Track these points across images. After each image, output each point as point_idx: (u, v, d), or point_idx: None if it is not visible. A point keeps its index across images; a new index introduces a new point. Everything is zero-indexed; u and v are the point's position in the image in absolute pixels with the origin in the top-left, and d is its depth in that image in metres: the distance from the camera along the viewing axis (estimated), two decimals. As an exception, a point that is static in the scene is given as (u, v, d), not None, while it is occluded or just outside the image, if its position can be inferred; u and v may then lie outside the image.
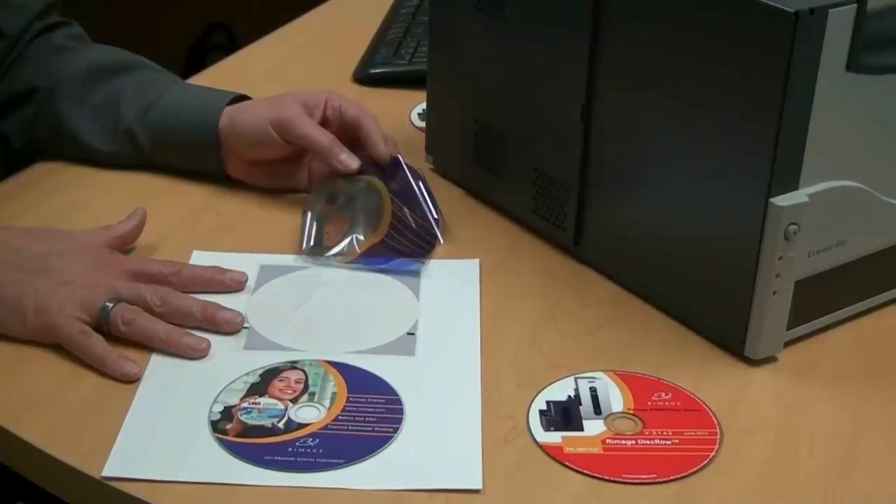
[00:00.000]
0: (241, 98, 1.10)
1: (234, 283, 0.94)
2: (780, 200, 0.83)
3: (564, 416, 0.83)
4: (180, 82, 1.14)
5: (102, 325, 0.87)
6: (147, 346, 0.87)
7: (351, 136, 1.07)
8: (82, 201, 1.08)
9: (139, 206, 0.99)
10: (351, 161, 1.02)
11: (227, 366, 0.87)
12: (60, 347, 0.87)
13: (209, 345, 0.87)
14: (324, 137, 1.03)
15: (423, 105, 1.16)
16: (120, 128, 1.10)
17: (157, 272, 0.93)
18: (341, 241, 1.00)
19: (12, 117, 1.13)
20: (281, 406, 0.83)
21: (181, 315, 0.89)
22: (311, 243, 1.00)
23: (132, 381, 0.85)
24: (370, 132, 1.05)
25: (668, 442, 0.81)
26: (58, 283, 0.88)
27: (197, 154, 1.08)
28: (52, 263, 0.90)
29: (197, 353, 0.87)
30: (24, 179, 1.11)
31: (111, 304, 0.88)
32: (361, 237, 1.00)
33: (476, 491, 0.77)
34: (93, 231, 0.96)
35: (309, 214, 1.01)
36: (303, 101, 1.06)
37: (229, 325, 0.89)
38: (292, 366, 0.87)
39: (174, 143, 1.08)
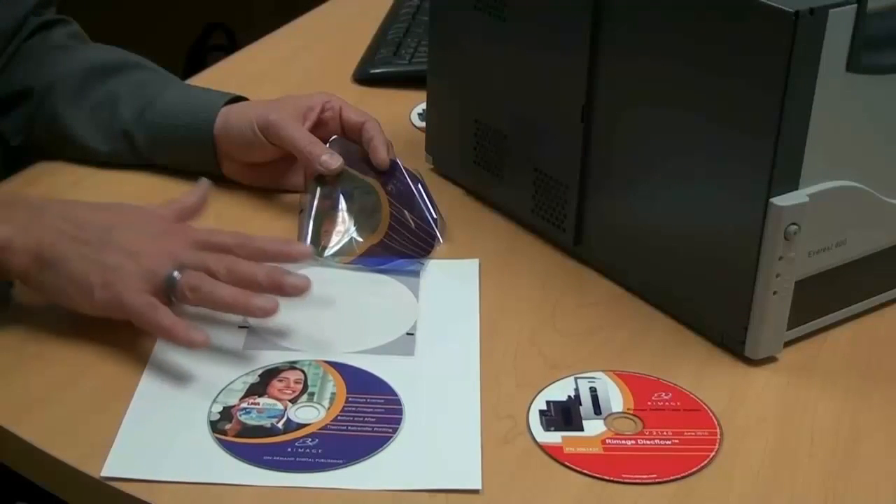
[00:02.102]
0: (239, 99, 1.10)
1: (298, 255, 0.93)
2: (781, 200, 0.83)
3: (564, 416, 0.83)
4: (178, 82, 1.14)
5: (169, 295, 0.87)
6: (215, 310, 0.88)
7: (352, 139, 1.07)
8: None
9: (202, 178, 0.98)
10: (332, 161, 1.02)
11: (227, 366, 0.87)
12: (60, 347, 0.87)
13: (277, 305, 0.86)
14: (304, 140, 1.03)
15: (424, 105, 1.16)
16: (117, 128, 1.09)
17: (222, 243, 0.91)
18: (340, 241, 1.00)
19: (9, 116, 1.13)
20: (280, 406, 0.83)
21: (246, 282, 0.88)
22: (308, 243, 1.00)
23: (201, 347, 0.84)
24: (373, 137, 1.05)
25: (668, 442, 0.81)
26: (123, 255, 0.87)
27: (193, 155, 1.08)
28: (117, 235, 0.88)
29: (267, 314, 0.86)
30: (24, 179, 1.11)
31: (177, 273, 0.86)
32: (360, 238, 1.00)
33: (476, 491, 0.77)
34: (157, 206, 0.95)
35: (305, 214, 1.01)
36: (297, 104, 1.06)
37: (296, 290, 0.88)
38: (291, 366, 0.87)
39: (171, 143, 1.08)
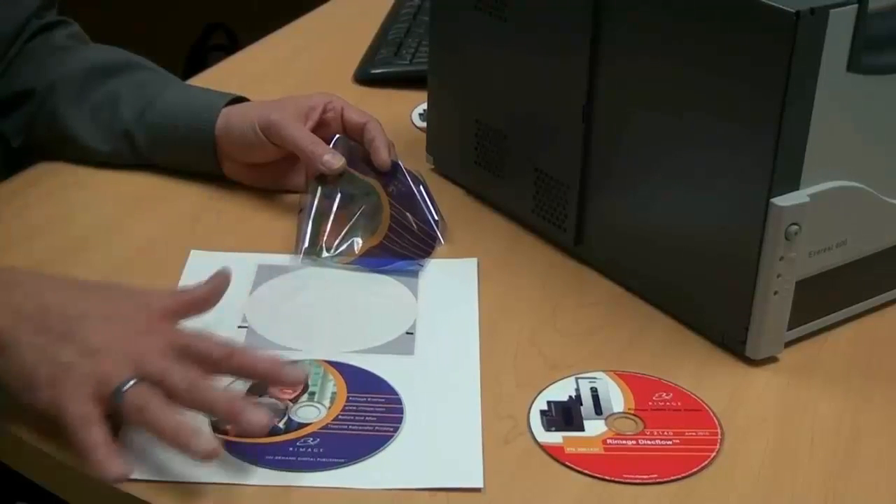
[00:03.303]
0: (240, 99, 1.10)
1: (289, 381, 0.82)
2: (781, 200, 0.83)
3: (565, 416, 0.83)
4: (178, 82, 1.14)
5: (116, 407, 0.77)
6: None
7: (354, 139, 1.07)
8: (82, 201, 1.08)
9: (224, 268, 0.87)
10: (334, 161, 1.01)
11: (228, 365, 0.87)
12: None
13: (218, 452, 0.76)
14: (306, 139, 1.03)
15: (424, 105, 1.16)
16: (117, 128, 1.09)
17: (206, 352, 0.80)
18: (340, 242, 1.00)
19: (11, 117, 1.13)
20: (281, 406, 0.83)
21: (204, 407, 0.78)
22: (307, 244, 1.00)
23: (113, 482, 0.75)
24: (374, 137, 1.05)
25: (669, 442, 0.81)
26: (80, 352, 0.78)
27: (194, 155, 1.08)
28: (84, 327, 0.79)
29: (204, 458, 0.75)
30: (24, 179, 1.11)
31: (130, 384, 0.76)
32: (360, 240, 1.00)
33: (477, 490, 0.77)
34: (160, 294, 0.85)
35: (305, 214, 1.01)
36: (298, 105, 1.06)
37: (253, 428, 0.77)
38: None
39: (172, 144, 1.08)
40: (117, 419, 0.77)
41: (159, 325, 0.81)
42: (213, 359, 0.80)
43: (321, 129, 1.06)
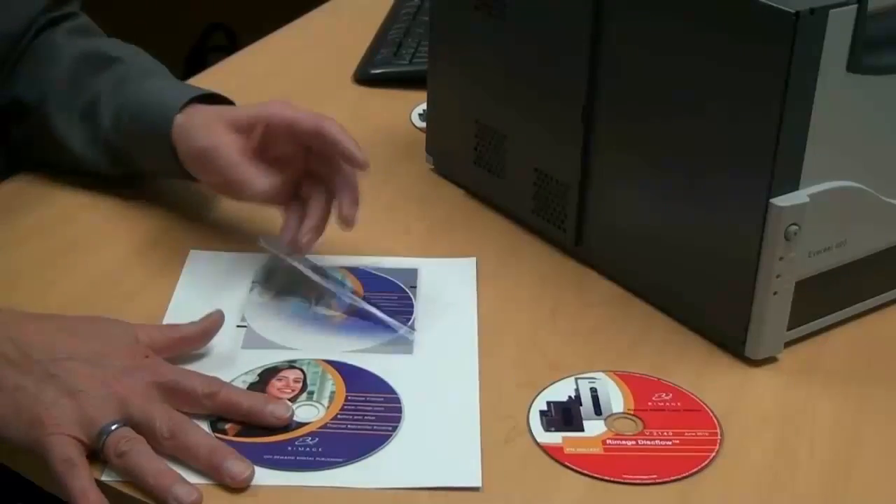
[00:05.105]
0: (209, 97, 1.00)
1: (274, 420, 0.80)
2: (781, 201, 0.83)
3: (565, 416, 0.83)
4: (148, 78, 1.04)
5: (98, 449, 0.77)
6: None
7: (316, 150, 0.94)
8: (81, 202, 1.08)
9: (218, 309, 0.88)
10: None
11: (226, 365, 0.86)
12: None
13: (199, 499, 0.74)
14: (241, 172, 0.92)
15: (424, 105, 1.16)
16: (100, 137, 1.04)
17: (190, 390, 0.80)
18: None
19: (15, 129, 1.10)
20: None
21: (185, 454, 0.77)
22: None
23: None
24: (336, 139, 0.91)
25: (669, 442, 0.81)
26: (63, 392, 0.77)
27: (164, 166, 1.00)
28: (68, 368, 0.78)
29: None
30: (24, 180, 1.11)
31: (114, 427, 0.76)
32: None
33: (476, 489, 0.76)
34: (147, 327, 0.85)
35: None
36: (234, 122, 0.94)
37: (233, 481, 0.76)
38: (290, 365, 0.87)
39: (139, 158, 1.02)
40: (103, 456, 0.77)
41: (144, 361, 0.81)
42: (198, 396, 0.80)
43: (269, 147, 0.94)
